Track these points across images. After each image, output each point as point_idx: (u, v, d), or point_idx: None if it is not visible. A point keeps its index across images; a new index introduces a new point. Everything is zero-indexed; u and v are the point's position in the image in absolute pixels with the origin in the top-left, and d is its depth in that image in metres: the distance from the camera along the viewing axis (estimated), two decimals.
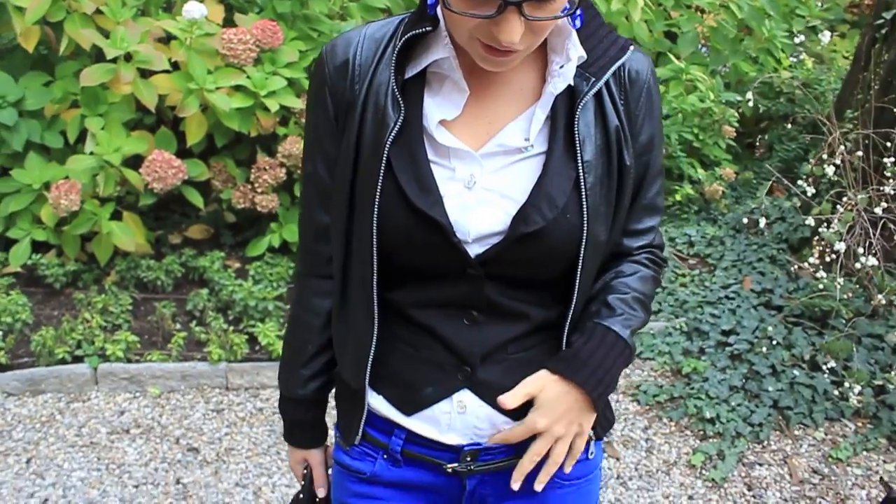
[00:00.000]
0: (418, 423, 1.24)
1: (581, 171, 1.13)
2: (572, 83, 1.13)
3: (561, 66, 1.13)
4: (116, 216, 3.41)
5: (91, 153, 3.30)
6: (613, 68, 1.14)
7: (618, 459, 2.94)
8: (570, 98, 1.14)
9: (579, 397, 1.17)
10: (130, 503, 2.70)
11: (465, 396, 1.21)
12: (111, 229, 3.33)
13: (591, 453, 1.30)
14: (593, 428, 1.23)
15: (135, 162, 3.35)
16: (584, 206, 1.13)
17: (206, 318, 3.32)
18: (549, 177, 1.13)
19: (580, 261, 1.16)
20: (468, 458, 1.23)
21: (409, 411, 1.24)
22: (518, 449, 1.22)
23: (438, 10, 1.10)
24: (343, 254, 1.21)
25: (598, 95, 1.15)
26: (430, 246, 1.14)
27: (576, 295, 1.18)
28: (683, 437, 3.05)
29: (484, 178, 1.14)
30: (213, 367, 3.18)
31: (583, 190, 1.13)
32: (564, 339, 1.20)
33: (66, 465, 2.84)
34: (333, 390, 1.37)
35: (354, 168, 1.16)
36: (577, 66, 1.13)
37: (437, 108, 1.14)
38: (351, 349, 1.25)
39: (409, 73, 1.14)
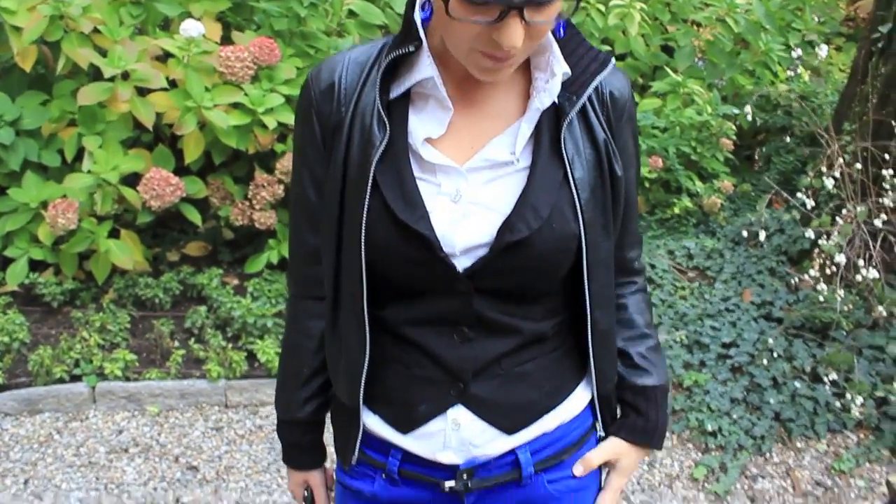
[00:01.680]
0: (413, 442, 1.23)
1: (574, 188, 1.15)
2: (556, 100, 1.13)
3: (546, 82, 1.13)
4: (114, 234, 3.41)
5: (88, 172, 3.30)
6: (595, 83, 1.15)
7: None
8: (553, 113, 1.15)
9: (648, 451, 1.36)
10: None
11: (459, 413, 1.21)
12: (109, 247, 3.32)
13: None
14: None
15: (132, 180, 3.35)
16: (581, 221, 1.15)
17: (204, 336, 3.31)
18: (534, 189, 1.13)
19: (584, 272, 1.17)
20: (464, 476, 1.23)
21: (403, 430, 1.23)
22: (515, 463, 1.23)
23: (421, 31, 1.11)
24: (334, 273, 1.21)
25: (583, 110, 1.17)
26: (417, 261, 1.14)
27: (589, 306, 1.20)
28: (685, 451, 3.03)
29: (469, 192, 1.15)
30: (211, 385, 3.16)
31: (578, 207, 1.15)
32: (591, 349, 1.23)
33: (65, 485, 2.82)
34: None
35: (343, 188, 1.17)
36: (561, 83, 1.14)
37: (422, 126, 1.15)
38: (344, 368, 1.24)
39: (394, 93, 1.15)
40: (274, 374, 3.17)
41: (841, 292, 3.10)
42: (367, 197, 1.13)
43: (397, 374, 1.22)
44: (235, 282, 3.57)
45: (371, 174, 1.13)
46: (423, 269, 1.14)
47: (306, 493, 1.41)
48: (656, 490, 2.85)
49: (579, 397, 1.29)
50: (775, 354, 3.23)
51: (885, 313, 3.12)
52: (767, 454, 3.03)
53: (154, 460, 2.93)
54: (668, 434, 3.11)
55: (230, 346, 3.27)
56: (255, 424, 3.09)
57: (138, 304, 3.47)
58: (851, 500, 2.88)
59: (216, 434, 3.05)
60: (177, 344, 3.32)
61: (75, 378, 3.18)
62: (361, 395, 1.23)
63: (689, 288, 3.71)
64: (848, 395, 3.07)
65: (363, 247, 1.14)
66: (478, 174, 1.15)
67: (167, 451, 2.97)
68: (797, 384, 3.14)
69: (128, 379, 3.17)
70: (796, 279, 3.46)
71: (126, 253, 3.35)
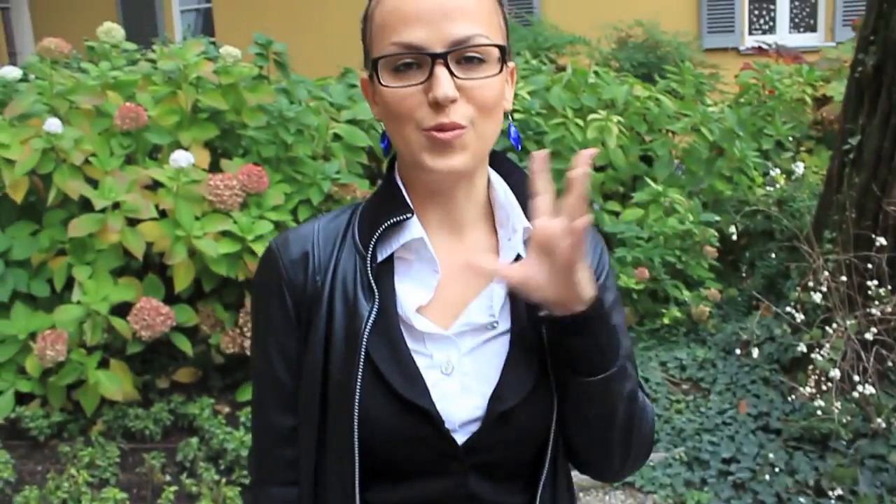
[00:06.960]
0: None
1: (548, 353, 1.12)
2: (523, 255, 1.12)
3: (508, 239, 1.14)
4: (103, 363, 3.35)
5: (78, 302, 3.27)
6: None
7: None
8: None
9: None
10: None
11: None
12: (98, 379, 3.26)
13: None
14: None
15: (122, 308, 3.32)
16: (553, 385, 1.11)
17: (196, 469, 3.22)
18: (516, 354, 1.11)
19: (551, 436, 1.12)
20: None
21: None
22: None
23: (397, 177, 1.14)
24: (315, 456, 1.14)
25: None
26: (417, 438, 1.08)
27: (545, 472, 1.14)
28: None
29: (460, 363, 1.11)
30: None
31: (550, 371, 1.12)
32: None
33: None
34: None
35: (325, 363, 1.12)
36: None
37: (411, 293, 1.12)
38: None
39: (381, 257, 1.13)
40: None
41: (838, 404, 3.10)
42: (360, 371, 1.08)
43: None
44: (227, 409, 3.50)
45: (363, 347, 1.08)
46: (423, 446, 1.09)
47: None
48: None
49: None
50: (777, 469, 3.20)
51: (883, 424, 3.12)
52: None
53: None
54: None
55: (223, 479, 3.19)
56: None
57: (128, 436, 3.38)
58: None
59: None
60: (168, 478, 3.23)
61: None
62: None
63: (684, 401, 3.69)
64: None
65: (356, 426, 1.08)
66: (463, 340, 1.12)
67: None
68: (802, 500, 3.10)
69: None
70: (793, 392, 3.45)
71: (116, 384, 3.29)
